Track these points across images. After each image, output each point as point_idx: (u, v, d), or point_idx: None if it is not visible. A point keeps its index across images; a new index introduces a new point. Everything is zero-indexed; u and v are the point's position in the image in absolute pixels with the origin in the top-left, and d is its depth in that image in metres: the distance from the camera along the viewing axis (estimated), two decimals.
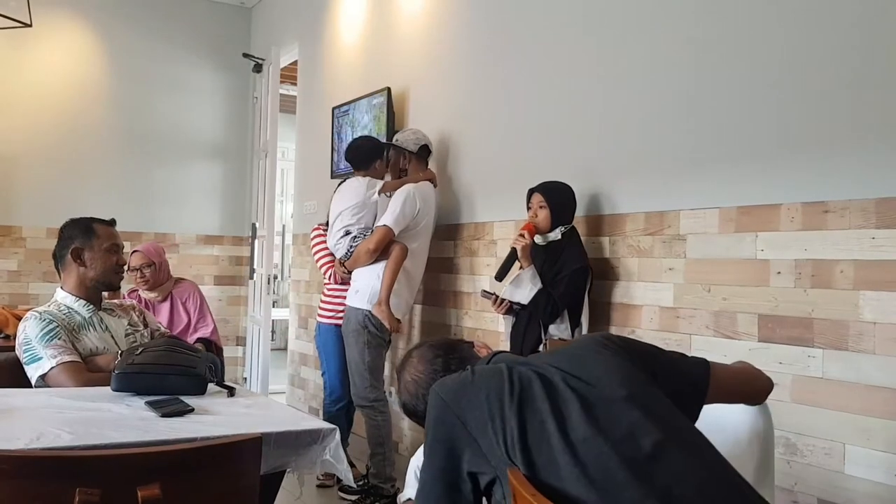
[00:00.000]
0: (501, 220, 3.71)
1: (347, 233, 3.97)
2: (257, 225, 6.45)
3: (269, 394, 6.04)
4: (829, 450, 2.30)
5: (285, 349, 6.41)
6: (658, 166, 2.91)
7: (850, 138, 2.30)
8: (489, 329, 3.75)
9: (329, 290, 4.29)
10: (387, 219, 3.78)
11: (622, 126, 3.08)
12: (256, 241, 6.46)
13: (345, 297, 4.07)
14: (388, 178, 4.16)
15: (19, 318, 2.65)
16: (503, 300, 3.00)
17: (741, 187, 2.59)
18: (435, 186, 4.01)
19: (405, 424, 4.35)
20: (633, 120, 3.03)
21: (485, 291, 3.10)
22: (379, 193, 3.98)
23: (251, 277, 6.60)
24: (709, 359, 1.55)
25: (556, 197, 3.06)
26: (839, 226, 2.30)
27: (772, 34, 2.53)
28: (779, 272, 2.45)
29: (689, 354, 1.58)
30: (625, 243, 3.03)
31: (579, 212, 3.15)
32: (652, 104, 2.95)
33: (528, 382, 1.36)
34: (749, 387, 1.63)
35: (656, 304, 2.89)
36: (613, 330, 3.04)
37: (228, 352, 6.94)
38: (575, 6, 3.35)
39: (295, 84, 6.28)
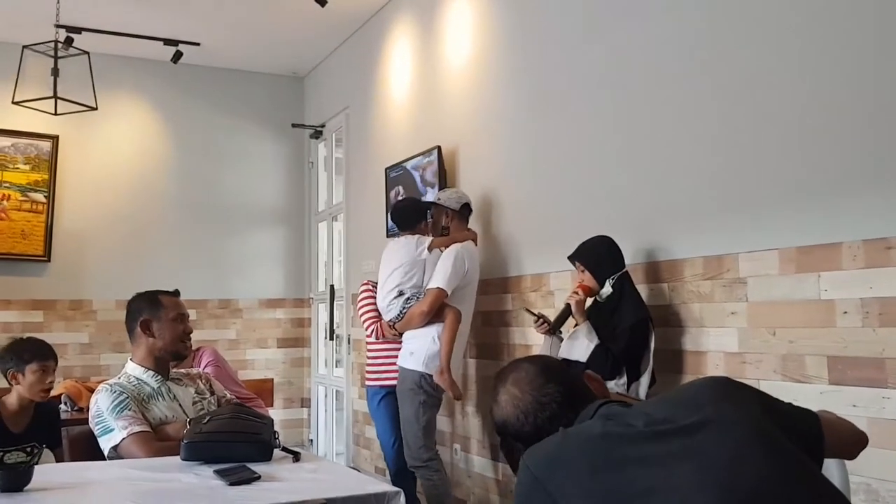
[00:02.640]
0: (557, 270, 3.70)
1: (400, 293, 3.95)
2: (335, 286, 6.53)
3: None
4: None
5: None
6: (712, 210, 2.89)
7: None
8: None
9: (372, 350, 4.31)
10: (438, 280, 3.81)
11: (671, 172, 3.07)
12: (335, 302, 6.52)
13: (388, 358, 4.10)
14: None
15: (92, 391, 2.73)
16: (544, 321, 3.09)
17: (799, 227, 2.55)
18: (475, 244, 4.05)
19: (469, 482, 4.31)
20: (682, 164, 3.02)
21: (527, 309, 3.11)
22: (428, 250, 4.02)
23: (330, 338, 6.65)
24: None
25: (590, 256, 3.08)
26: None
27: (824, 68, 2.52)
28: (845, 312, 2.39)
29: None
30: (684, 289, 2.99)
31: (636, 259, 3.13)
32: (700, 148, 2.94)
33: (621, 446, 1.27)
34: (852, 445, 1.51)
35: (721, 349, 2.83)
36: (679, 378, 2.99)
37: (293, 414, 7.02)
38: (618, 59, 3.38)
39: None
